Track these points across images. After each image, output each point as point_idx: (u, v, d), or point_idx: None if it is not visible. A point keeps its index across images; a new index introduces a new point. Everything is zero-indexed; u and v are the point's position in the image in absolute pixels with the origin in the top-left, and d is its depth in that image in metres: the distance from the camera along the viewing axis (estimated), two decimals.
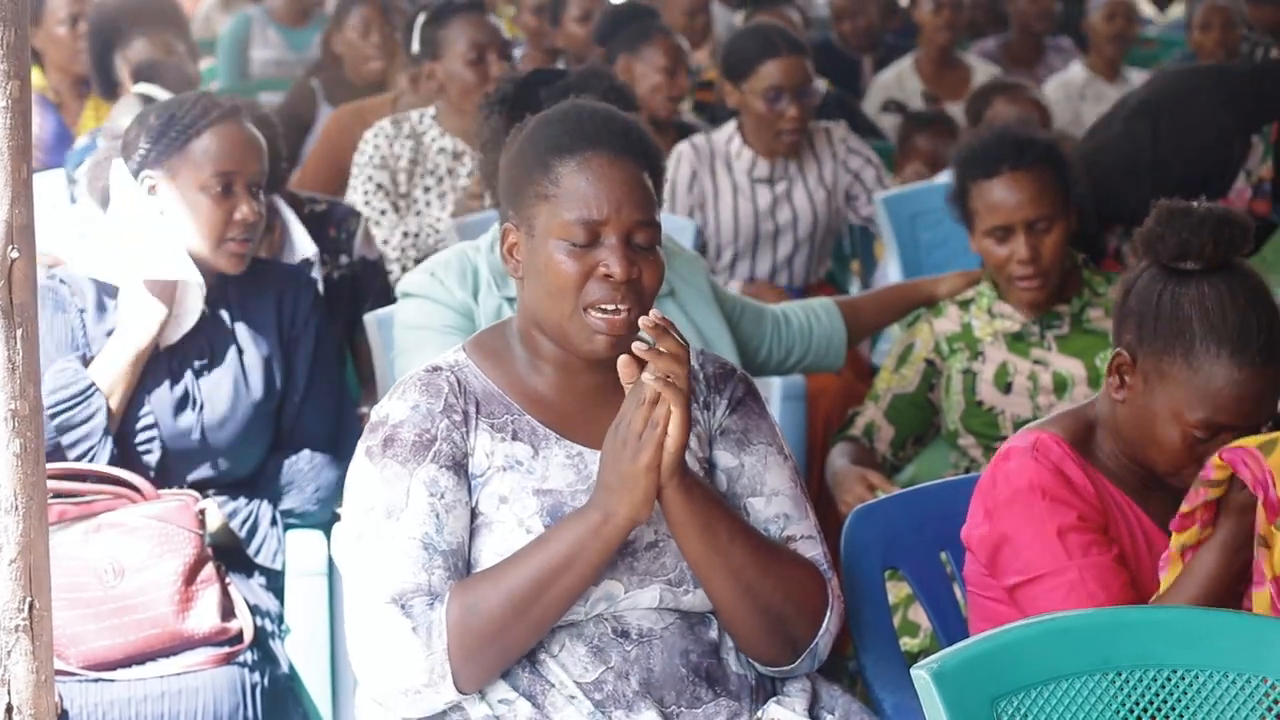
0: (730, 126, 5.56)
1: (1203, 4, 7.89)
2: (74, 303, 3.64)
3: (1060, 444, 2.90)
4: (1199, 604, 2.65)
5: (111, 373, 3.57)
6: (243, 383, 3.69)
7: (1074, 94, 7.77)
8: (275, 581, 3.69)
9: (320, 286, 4.12)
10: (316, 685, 3.61)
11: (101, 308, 3.65)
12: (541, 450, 2.69)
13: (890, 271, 5.54)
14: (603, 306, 2.63)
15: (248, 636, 3.47)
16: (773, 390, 4.32)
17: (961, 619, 3.11)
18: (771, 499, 2.75)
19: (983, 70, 7.69)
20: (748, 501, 2.75)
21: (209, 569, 3.48)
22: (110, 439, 3.55)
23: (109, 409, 3.55)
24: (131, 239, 3.60)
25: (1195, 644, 2.48)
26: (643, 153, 2.70)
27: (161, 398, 3.63)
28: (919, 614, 3.56)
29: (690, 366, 2.58)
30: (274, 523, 3.70)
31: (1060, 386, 3.97)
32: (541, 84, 3.68)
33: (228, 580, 3.55)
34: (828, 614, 2.72)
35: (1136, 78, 7.56)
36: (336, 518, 3.63)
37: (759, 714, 2.68)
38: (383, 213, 5.33)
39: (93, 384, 3.54)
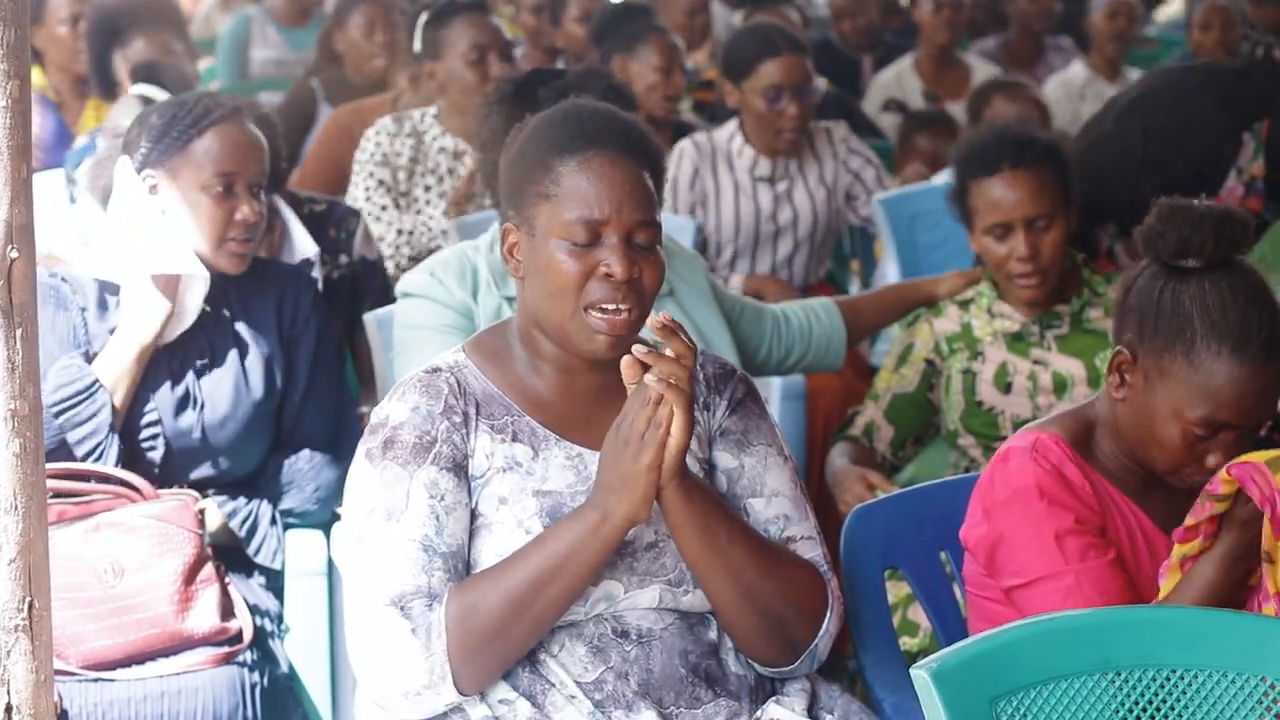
0: (732, 125, 5.56)
1: (1202, 4, 7.89)
2: (75, 301, 3.64)
3: (1060, 444, 2.90)
4: None
5: (115, 369, 3.57)
6: (243, 382, 3.69)
7: (1074, 93, 7.77)
8: (275, 581, 3.69)
9: (320, 286, 4.12)
10: (316, 685, 3.61)
11: (103, 305, 3.65)
12: (541, 451, 2.68)
13: (889, 272, 5.54)
14: (603, 306, 2.63)
15: (247, 636, 3.47)
16: (772, 390, 4.32)
17: (961, 619, 3.11)
18: (771, 500, 2.75)
19: (982, 70, 7.69)
20: (747, 502, 2.74)
21: (208, 569, 3.48)
22: (116, 436, 3.55)
23: (113, 406, 3.55)
24: (134, 236, 3.60)
25: (1195, 644, 2.48)
26: (643, 152, 2.70)
27: (163, 397, 3.63)
28: (918, 614, 3.56)
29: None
30: (274, 522, 3.70)
31: (1060, 386, 3.97)
32: (540, 84, 3.68)
33: (227, 580, 3.55)
34: (827, 615, 2.72)
35: (1136, 77, 7.55)
36: (336, 517, 3.63)
37: (758, 714, 2.68)
38: (383, 208, 5.33)
39: (96, 380, 3.55)
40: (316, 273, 4.21)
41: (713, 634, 2.70)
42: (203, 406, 3.65)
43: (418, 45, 5.52)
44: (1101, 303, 4.00)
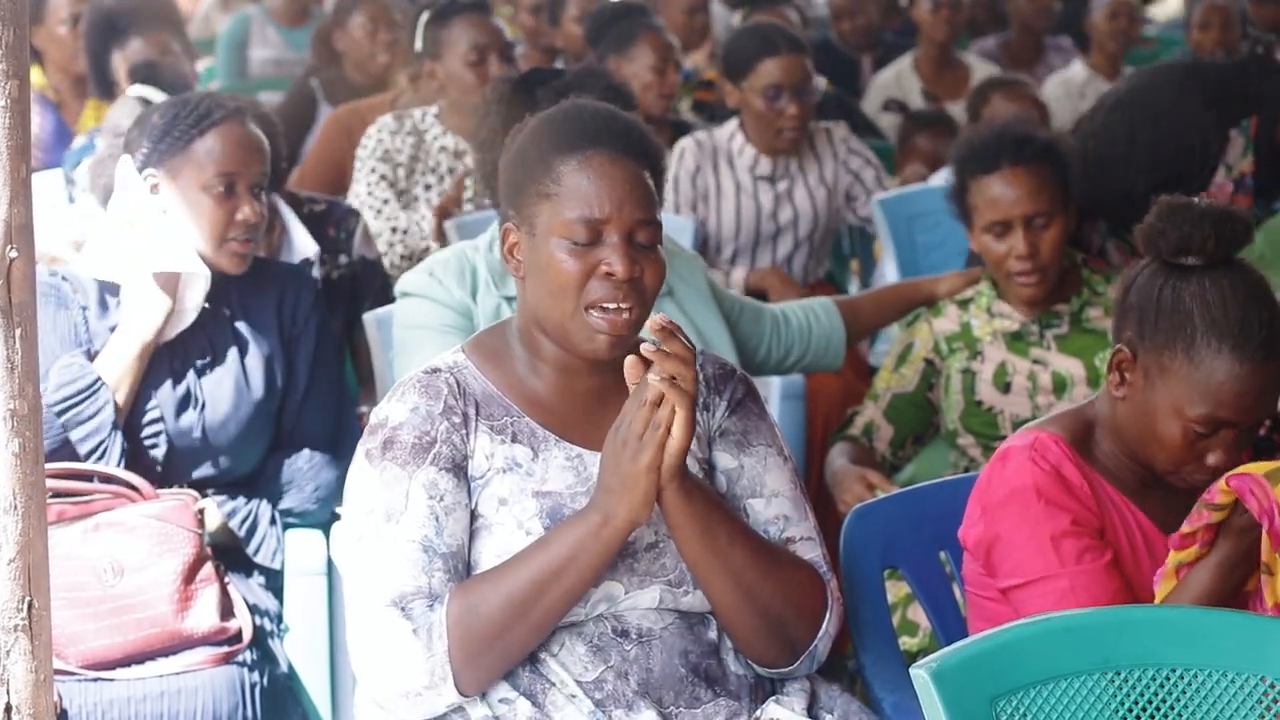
0: (732, 124, 5.56)
1: (1201, 3, 7.89)
2: (76, 299, 3.64)
3: (1059, 444, 2.89)
4: None
5: (117, 367, 3.57)
6: (244, 382, 3.69)
7: (1074, 92, 7.76)
8: (274, 581, 3.69)
9: (319, 286, 4.12)
10: (315, 684, 3.61)
11: (104, 304, 3.65)
12: (541, 452, 2.68)
13: (888, 273, 5.54)
14: (604, 305, 2.62)
15: (247, 636, 3.47)
16: (772, 390, 4.32)
17: (960, 618, 3.10)
18: (771, 500, 2.75)
19: (982, 70, 7.69)
20: (747, 503, 2.74)
21: (208, 568, 3.48)
22: (120, 434, 3.55)
23: (116, 404, 3.55)
24: (135, 234, 3.60)
25: (1195, 643, 2.48)
26: (644, 152, 2.70)
27: (164, 396, 3.63)
28: (918, 613, 3.56)
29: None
30: (273, 522, 3.70)
31: (1059, 386, 3.97)
32: (539, 84, 3.68)
33: (227, 580, 3.54)
34: (827, 616, 2.72)
35: None
36: (336, 517, 3.64)
37: (758, 713, 2.68)
38: (385, 201, 5.33)
39: (99, 379, 3.55)
40: (315, 272, 4.21)
41: (713, 634, 2.70)
42: (204, 406, 3.65)
43: (419, 44, 5.52)
44: (1101, 302, 4.00)
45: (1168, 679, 2.48)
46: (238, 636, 3.47)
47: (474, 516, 2.65)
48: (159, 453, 3.62)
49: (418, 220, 5.29)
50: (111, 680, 3.35)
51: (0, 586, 2.46)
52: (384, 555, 2.59)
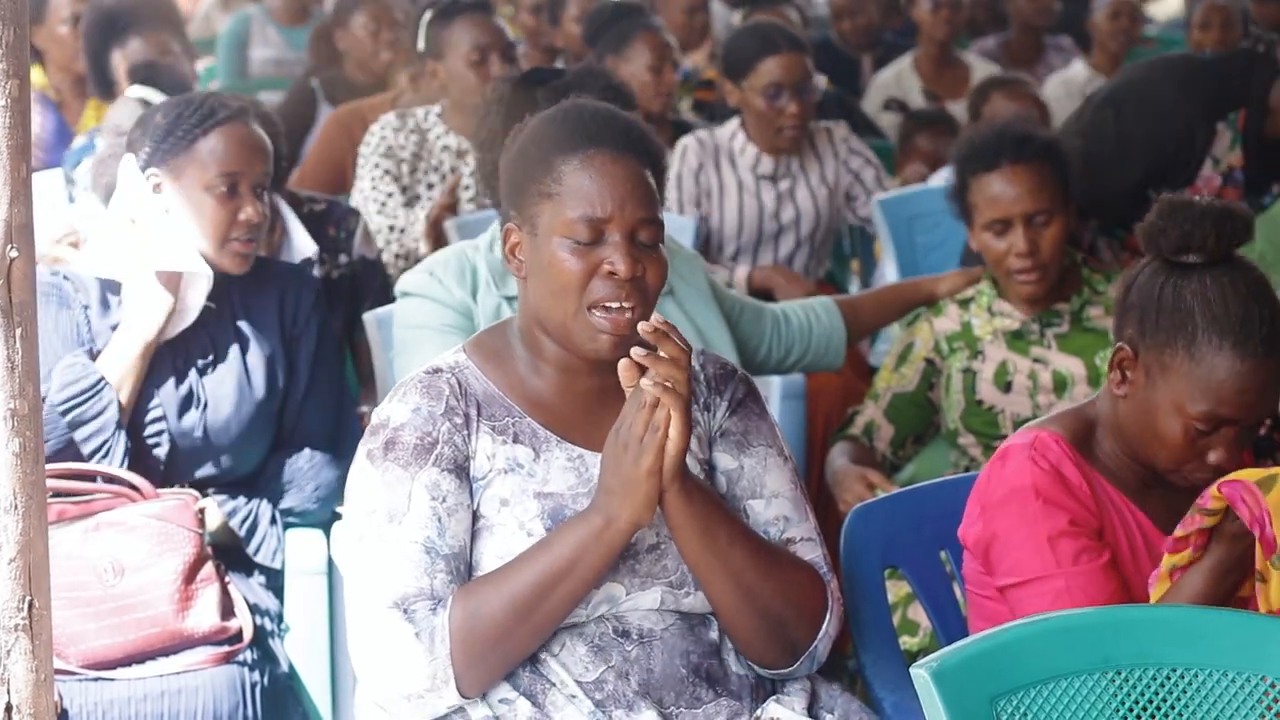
0: (734, 124, 5.56)
1: (1202, 3, 7.89)
2: (78, 299, 3.64)
3: (1059, 443, 2.89)
4: None
5: (120, 366, 3.57)
6: (246, 382, 3.69)
7: (1075, 92, 7.75)
8: (275, 580, 3.68)
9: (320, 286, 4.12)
10: (316, 684, 3.61)
11: (105, 303, 3.65)
12: (542, 453, 2.68)
13: (888, 273, 5.54)
14: (607, 304, 2.62)
15: (247, 635, 3.47)
16: (772, 389, 4.32)
17: (961, 618, 3.10)
18: (771, 501, 2.75)
19: (982, 69, 7.69)
20: (747, 504, 2.74)
21: (208, 568, 3.48)
22: (123, 433, 3.55)
23: (119, 403, 3.55)
24: (137, 232, 3.61)
25: (1195, 643, 2.48)
26: (645, 151, 2.70)
27: (167, 395, 3.63)
28: (918, 613, 3.56)
29: (690, 368, 2.57)
30: (273, 521, 3.70)
31: (1060, 385, 3.97)
32: (539, 83, 3.68)
33: (227, 579, 3.54)
34: (827, 617, 2.72)
35: None
36: (336, 516, 3.64)
37: (758, 713, 2.67)
38: (389, 195, 5.33)
39: (102, 378, 3.55)
40: (315, 272, 4.21)
41: (714, 634, 2.70)
42: (206, 405, 3.65)
43: (421, 44, 5.52)
44: (1101, 301, 4.00)
45: (1168, 679, 2.47)
46: (238, 636, 3.47)
47: (475, 517, 2.65)
48: (161, 452, 3.62)
49: (413, 220, 5.29)
50: (112, 680, 3.35)
51: (0, 586, 2.46)
52: (386, 556, 2.59)
